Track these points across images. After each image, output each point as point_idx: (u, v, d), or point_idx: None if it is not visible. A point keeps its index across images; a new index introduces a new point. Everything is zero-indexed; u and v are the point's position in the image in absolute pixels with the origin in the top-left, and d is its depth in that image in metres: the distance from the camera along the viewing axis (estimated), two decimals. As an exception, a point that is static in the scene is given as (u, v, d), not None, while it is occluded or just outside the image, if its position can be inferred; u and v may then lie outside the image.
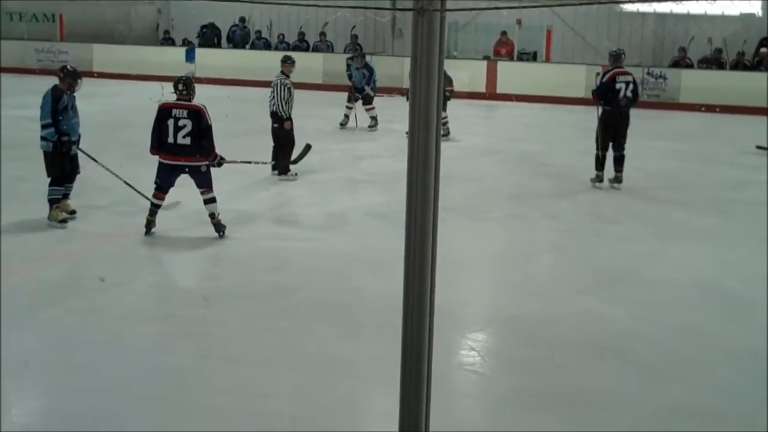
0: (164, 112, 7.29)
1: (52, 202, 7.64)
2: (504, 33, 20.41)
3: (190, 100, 7.33)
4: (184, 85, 7.41)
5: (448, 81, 12.88)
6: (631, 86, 10.09)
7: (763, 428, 4.21)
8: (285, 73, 10.21)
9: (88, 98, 13.10)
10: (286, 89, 10.08)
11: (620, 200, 9.36)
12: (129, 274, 6.56)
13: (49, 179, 7.63)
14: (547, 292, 6.33)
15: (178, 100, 7.33)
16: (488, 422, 4.43)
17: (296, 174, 10.00)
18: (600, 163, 10.02)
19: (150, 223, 7.45)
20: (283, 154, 10.05)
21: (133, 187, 7.98)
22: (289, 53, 11.14)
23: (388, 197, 8.96)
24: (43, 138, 7.55)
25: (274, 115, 10.14)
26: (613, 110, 9.97)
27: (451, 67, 13.75)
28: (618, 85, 9.99)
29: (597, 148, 10.05)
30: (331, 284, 6.45)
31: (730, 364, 5.08)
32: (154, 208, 7.46)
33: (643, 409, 4.47)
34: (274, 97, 10.11)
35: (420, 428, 2.01)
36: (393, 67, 18.64)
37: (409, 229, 1.90)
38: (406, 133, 1.89)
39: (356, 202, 9.04)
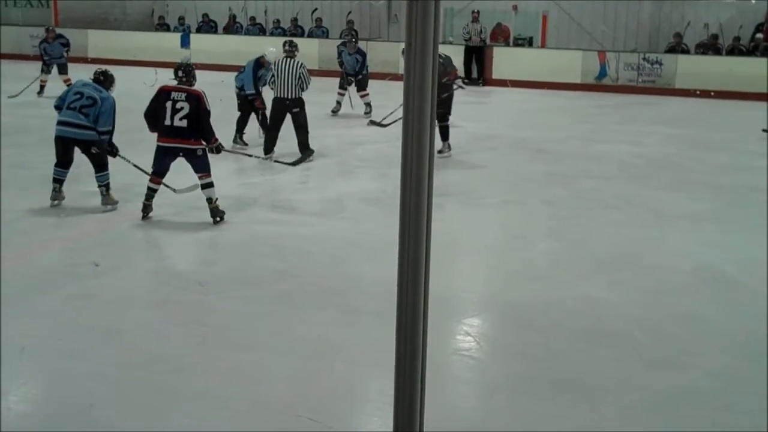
0: (163, 95, 7.32)
1: (108, 186, 7.76)
2: (499, 24, 20.40)
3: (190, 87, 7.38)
4: (184, 72, 7.49)
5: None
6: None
7: (762, 413, 4.21)
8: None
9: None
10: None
11: (618, 186, 9.35)
12: (124, 260, 6.56)
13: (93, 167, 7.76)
14: (543, 278, 6.34)
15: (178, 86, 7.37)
16: (484, 407, 4.44)
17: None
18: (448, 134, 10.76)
19: (146, 208, 7.46)
20: (306, 135, 10.21)
21: (138, 167, 7.94)
22: (285, 39, 11.13)
23: (384, 183, 8.95)
24: (98, 141, 7.65)
25: (300, 101, 10.14)
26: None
27: (446, 53, 13.73)
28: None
29: (446, 120, 10.65)
30: (327, 269, 6.45)
31: (728, 349, 5.09)
32: (151, 193, 7.47)
33: (640, 395, 4.47)
34: (302, 82, 10.07)
35: (415, 414, 2.01)
36: (388, 53, 18.62)
37: (403, 215, 1.90)
38: (400, 118, 1.88)
39: (352, 188, 9.03)
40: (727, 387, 4.61)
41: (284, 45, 10.43)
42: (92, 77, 7.84)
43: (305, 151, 10.21)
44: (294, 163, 9.31)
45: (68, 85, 15.21)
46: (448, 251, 6.34)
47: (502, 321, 5.63)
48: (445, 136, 10.66)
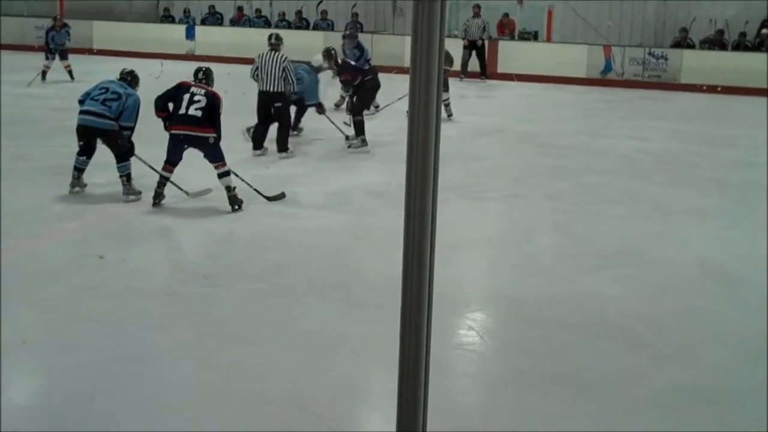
0: (183, 88, 7.58)
1: (129, 176, 7.80)
2: (506, 15, 20.34)
3: None
4: (204, 75, 7.79)
5: (449, 60, 12.83)
6: None
7: (762, 409, 4.21)
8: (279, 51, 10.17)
9: (89, 75, 13.11)
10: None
11: (622, 181, 9.34)
12: (128, 252, 6.56)
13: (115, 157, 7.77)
14: (547, 272, 6.33)
15: None
16: (487, 402, 4.44)
17: (292, 151, 10.24)
18: (364, 128, 10.65)
19: (158, 196, 7.59)
20: (286, 132, 10.15)
21: (153, 168, 7.92)
22: (290, 32, 11.11)
23: (388, 177, 8.94)
24: (118, 132, 7.66)
25: (281, 96, 9.99)
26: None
27: (452, 46, 13.71)
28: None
29: (359, 115, 10.64)
30: (331, 263, 6.45)
31: (730, 345, 5.09)
32: (163, 181, 7.61)
33: (642, 389, 4.47)
34: (287, 76, 9.92)
35: (419, 408, 2.01)
36: (394, 46, 18.61)
37: (408, 209, 1.89)
38: (407, 112, 1.88)
39: (356, 181, 9.03)
40: (729, 382, 4.60)
41: (269, 38, 10.32)
42: (118, 77, 7.96)
43: (283, 148, 10.10)
44: (271, 198, 8.14)
45: (69, 71, 15.87)
46: (451, 245, 6.32)
47: (505, 315, 5.63)
48: (358, 130, 10.61)
